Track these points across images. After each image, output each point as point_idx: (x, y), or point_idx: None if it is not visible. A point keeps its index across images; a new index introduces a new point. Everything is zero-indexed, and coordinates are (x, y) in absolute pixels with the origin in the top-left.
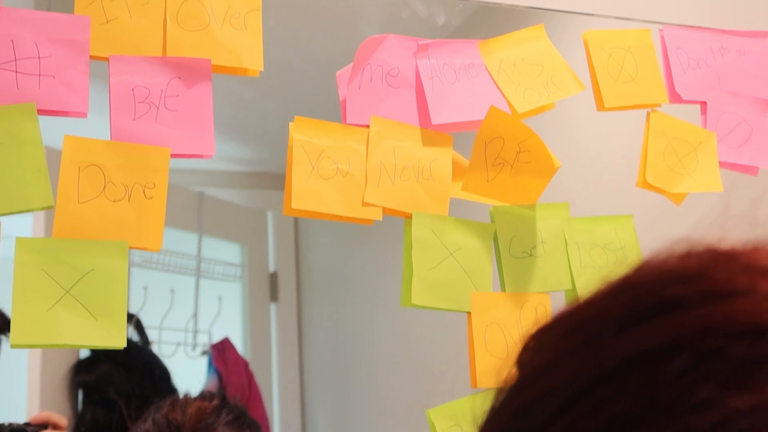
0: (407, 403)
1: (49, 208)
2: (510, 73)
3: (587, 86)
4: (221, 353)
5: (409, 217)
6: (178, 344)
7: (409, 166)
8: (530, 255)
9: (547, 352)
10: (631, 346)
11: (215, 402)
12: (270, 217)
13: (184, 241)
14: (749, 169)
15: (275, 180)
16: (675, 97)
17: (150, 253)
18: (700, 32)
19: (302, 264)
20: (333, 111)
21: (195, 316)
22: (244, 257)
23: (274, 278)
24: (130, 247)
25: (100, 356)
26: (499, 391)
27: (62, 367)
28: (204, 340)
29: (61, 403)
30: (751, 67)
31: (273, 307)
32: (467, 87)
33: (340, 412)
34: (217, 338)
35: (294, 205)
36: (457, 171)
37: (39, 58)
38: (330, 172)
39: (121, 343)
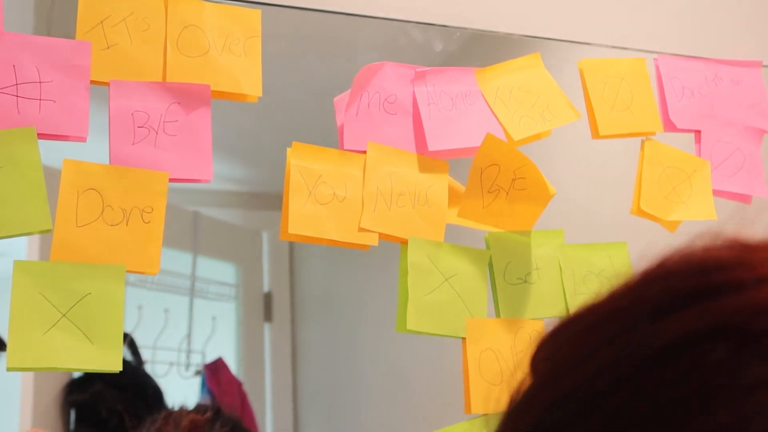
0: (401, 427)
1: (47, 232)
2: (506, 101)
3: (583, 114)
4: (214, 373)
5: (405, 242)
6: (172, 364)
7: (405, 192)
8: (525, 281)
9: (573, 347)
10: (672, 332)
11: (208, 414)
12: (265, 237)
13: (178, 261)
14: (743, 197)
15: (271, 200)
16: (669, 126)
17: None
18: (695, 62)
19: (297, 285)
20: (329, 137)
21: (188, 335)
22: (238, 277)
23: (268, 298)
24: (128, 271)
25: (93, 376)
26: (515, 395)
27: (55, 387)
28: (197, 360)
29: (54, 422)
30: (745, 97)
31: (267, 328)
32: (464, 114)
33: None
34: (210, 358)
35: (291, 230)
36: (453, 197)
37: (40, 82)
38: (327, 197)
39: (116, 367)
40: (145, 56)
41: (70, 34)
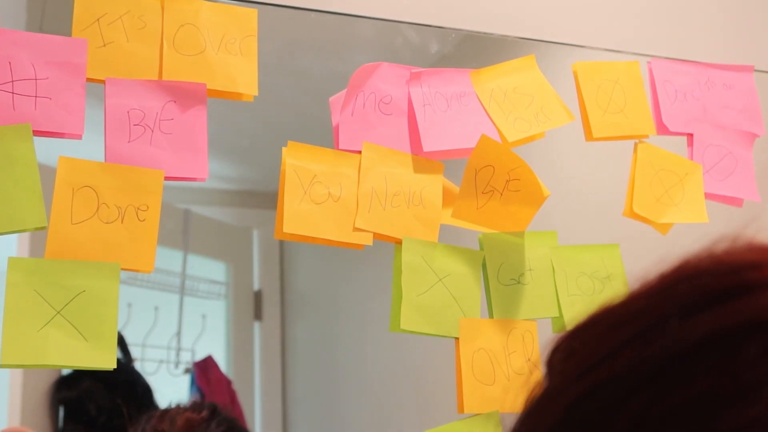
0: (390, 426)
1: (42, 229)
2: (501, 103)
3: (576, 116)
4: (204, 371)
5: (399, 242)
6: (161, 362)
7: (400, 193)
8: (518, 282)
9: (600, 343)
10: (705, 328)
11: (204, 413)
12: (256, 235)
13: (169, 259)
14: (734, 201)
15: (262, 198)
16: (662, 129)
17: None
18: (687, 66)
19: (287, 283)
20: (325, 136)
21: (178, 333)
22: (228, 275)
23: (258, 297)
24: (123, 269)
25: (82, 373)
26: (531, 394)
27: (44, 384)
28: (187, 358)
29: (42, 419)
30: (737, 101)
31: (257, 326)
32: (458, 115)
33: None
34: (200, 356)
35: (286, 229)
36: (448, 198)
37: (36, 79)
38: (322, 196)
39: (110, 365)
40: (141, 54)
41: (62, 30)
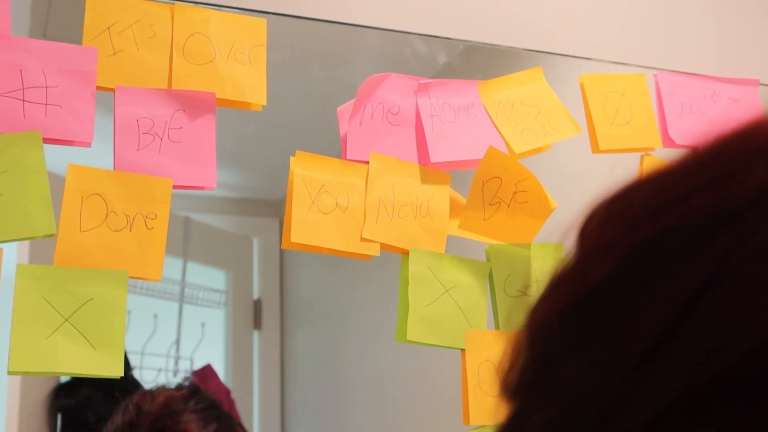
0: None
1: (51, 236)
2: (508, 114)
3: (583, 128)
4: (203, 380)
5: (406, 253)
6: (160, 370)
7: (407, 203)
8: (524, 294)
9: (655, 198)
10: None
11: (184, 391)
12: (256, 243)
13: (168, 266)
14: None
15: (262, 207)
16: (668, 142)
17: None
18: (694, 79)
19: (287, 292)
20: (331, 145)
21: (177, 342)
22: (228, 284)
23: (258, 305)
24: (130, 277)
25: (81, 380)
26: (562, 264)
27: (42, 391)
28: (186, 367)
29: (40, 427)
30: (743, 115)
31: (256, 335)
32: (466, 126)
33: None
34: (199, 365)
35: (293, 239)
36: (455, 209)
37: (46, 87)
38: (329, 206)
39: (118, 373)
40: (150, 63)
41: (66, 36)
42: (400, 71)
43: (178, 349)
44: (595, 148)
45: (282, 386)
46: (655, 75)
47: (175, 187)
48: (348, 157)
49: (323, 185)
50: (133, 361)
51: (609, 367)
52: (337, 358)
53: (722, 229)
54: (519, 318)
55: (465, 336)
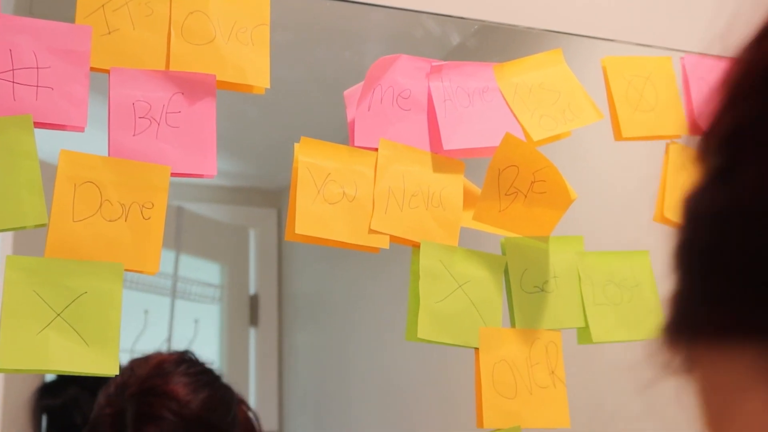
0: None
1: (42, 226)
2: (526, 99)
3: (605, 114)
4: None
5: (417, 246)
6: None
7: (418, 193)
8: (542, 290)
9: None
10: None
11: (176, 356)
12: (252, 235)
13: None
14: None
15: (260, 196)
16: (695, 129)
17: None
18: (723, 62)
19: (285, 286)
20: (337, 131)
21: (169, 339)
22: (223, 278)
23: (254, 301)
24: (126, 270)
25: (67, 379)
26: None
27: (26, 390)
28: None
29: (24, 428)
30: None
31: (252, 332)
32: (481, 112)
33: None
34: None
35: (298, 231)
36: (469, 199)
37: (37, 68)
38: (336, 196)
39: (113, 371)
40: (147, 43)
41: (52, 13)
42: (411, 53)
43: (169, 347)
44: (618, 135)
45: (280, 387)
46: (681, 58)
47: (173, 174)
48: (356, 144)
49: (329, 174)
50: (123, 359)
51: None
52: (339, 358)
53: None
54: (535, 315)
55: (479, 334)
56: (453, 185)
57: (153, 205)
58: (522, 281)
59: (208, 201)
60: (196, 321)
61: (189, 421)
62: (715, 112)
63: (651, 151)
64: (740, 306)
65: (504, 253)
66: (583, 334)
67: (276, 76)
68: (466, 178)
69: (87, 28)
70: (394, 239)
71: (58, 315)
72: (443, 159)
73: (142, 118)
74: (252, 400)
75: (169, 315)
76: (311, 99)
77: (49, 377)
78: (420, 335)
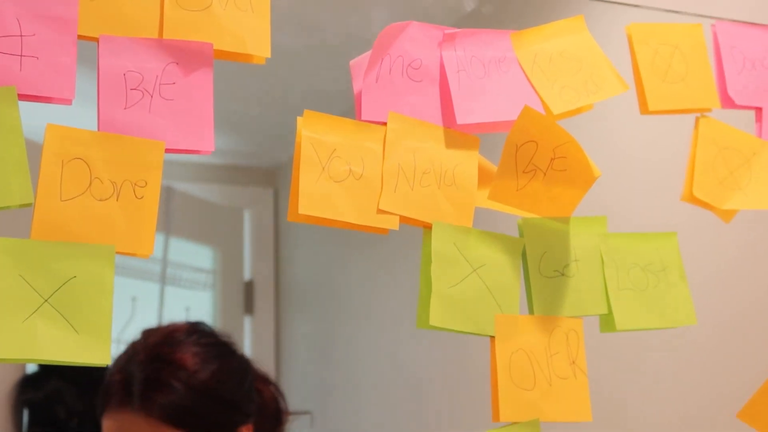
0: (393, 428)
1: (28, 206)
2: (545, 69)
3: (630, 86)
4: None
5: (428, 227)
6: None
7: (430, 170)
8: (562, 274)
9: None
10: None
11: (187, 326)
12: (247, 216)
13: None
14: None
15: (255, 174)
16: (727, 102)
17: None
18: (758, 29)
19: (282, 272)
20: (341, 104)
21: None
22: (216, 262)
23: (249, 287)
24: (118, 253)
25: (50, 372)
26: None
27: (5, 383)
28: None
29: (3, 423)
30: None
31: (247, 321)
32: (497, 83)
33: None
34: None
35: (301, 210)
36: (484, 177)
37: (21, 36)
38: (342, 173)
39: (105, 361)
40: (139, 9)
41: None
42: (422, 20)
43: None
44: (644, 108)
45: (276, 377)
46: (712, 25)
47: (167, 151)
48: (363, 118)
49: (335, 149)
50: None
51: None
52: (339, 347)
53: None
54: (555, 302)
55: (495, 321)
56: (467, 162)
57: (146, 183)
58: (541, 265)
59: (199, 180)
60: (187, 309)
61: (197, 390)
62: None
63: (679, 126)
64: None
65: (521, 235)
66: (606, 322)
67: (275, 43)
68: (481, 155)
69: None
70: (404, 220)
71: (46, 301)
72: (457, 134)
73: (134, 89)
74: None
75: (158, 302)
76: (314, 69)
77: (31, 369)
78: (432, 322)
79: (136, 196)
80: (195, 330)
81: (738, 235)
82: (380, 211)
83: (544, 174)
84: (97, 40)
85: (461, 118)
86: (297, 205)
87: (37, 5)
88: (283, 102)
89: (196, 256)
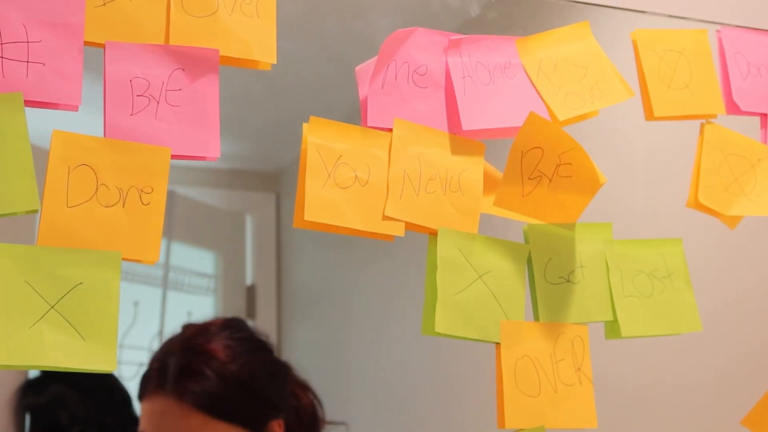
0: None
1: (34, 212)
2: (550, 75)
3: (636, 92)
4: None
5: (434, 233)
6: (141, 365)
7: (435, 177)
8: (568, 281)
9: None
10: None
11: (221, 321)
12: (249, 221)
13: None
14: None
15: (257, 179)
16: (733, 108)
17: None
18: (763, 35)
19: (284, 277)
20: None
21: (161, 333)
22: (218, 267)
23: (251, 292)
24: (124, 259)
25: (52, 376)
26: None
27: (7, 388)
28: None
29: (5, 428)
30: None
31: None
32: (503, 89)
33: None
34: None
35: (307, 217)
36: (489, 184)
37: (27, 42)
38: (347, 180)
39: (111, 367)
40: (145, 15)
41: None
42: (427, 25)
43: (161, 342)
44: (649, 114)
45: None
46: (718, 31)
47: (173, 157)
48: (369, 124)
49: (341, 156)
50: None
51: None
52: (341, 353)
53: None
54: (560, 308)
55: (500, 328)
56: (473, 168)
57: (152, 189)
58: (546, 271)
59: (201, 185)
60: (189, 313)
61: (228, 380)
62: None
63: (685, 132)
64: None
65: (527, 242)
66: (612, 329)
67: (280, 49)
68: (486, 161)
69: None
70: (409, 226)
71: (52, 307)
72: (462, 140)
73: (140, 96)
74: None
75: (160, 307)
76: (319, 75)
77: (33, 373)
78: (437, 329)
79: (142, 203)
80: (230, 325)
81: (744, 241)
82: (386, 218)
83: (550, 180)
84: (103, 46)
85: (467, 125)
86: (303, 212)
87: (43, 12)
88: (287, 107)
89: (198, 260)
